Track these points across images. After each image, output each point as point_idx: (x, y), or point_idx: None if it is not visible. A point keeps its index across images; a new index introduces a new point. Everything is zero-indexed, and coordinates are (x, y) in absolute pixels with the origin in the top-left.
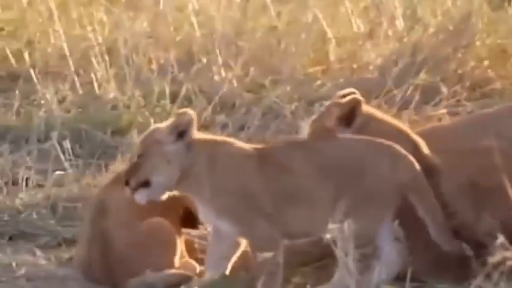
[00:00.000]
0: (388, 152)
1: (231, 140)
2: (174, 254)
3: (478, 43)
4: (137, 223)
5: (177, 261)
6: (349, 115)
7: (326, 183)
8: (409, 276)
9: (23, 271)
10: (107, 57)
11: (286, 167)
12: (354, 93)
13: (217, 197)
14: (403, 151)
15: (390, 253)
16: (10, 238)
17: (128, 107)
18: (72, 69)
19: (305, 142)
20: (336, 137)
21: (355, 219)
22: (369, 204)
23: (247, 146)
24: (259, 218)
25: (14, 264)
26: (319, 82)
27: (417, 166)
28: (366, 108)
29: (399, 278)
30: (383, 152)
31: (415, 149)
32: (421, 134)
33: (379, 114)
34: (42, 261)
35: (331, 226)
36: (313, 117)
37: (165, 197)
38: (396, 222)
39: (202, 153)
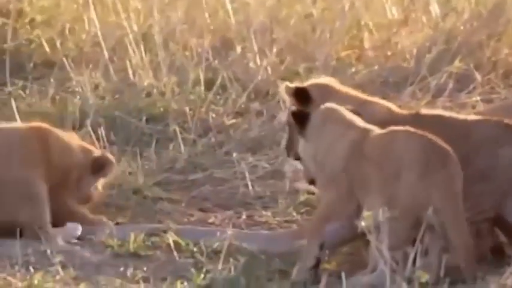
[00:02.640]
0: (424, 161)
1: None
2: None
3: None
4: None
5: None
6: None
7: (379, 175)
8: (443, 263)
9: (58, 258)
10: (141, 44)
11: (366, 155)
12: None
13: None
14: (447, 164)
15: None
16: None
17: (163, 94)
18: (107, 56)
19: (384, 132)
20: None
21: (386, 220)
22: (396, 209)
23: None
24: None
25: (49, 251)
26: (353, 69)
27: (456, 187)
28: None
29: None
30: (418, 158)
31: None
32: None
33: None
34: (77, 248)
35: (366, 213)
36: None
37: None
38: (431, 209)
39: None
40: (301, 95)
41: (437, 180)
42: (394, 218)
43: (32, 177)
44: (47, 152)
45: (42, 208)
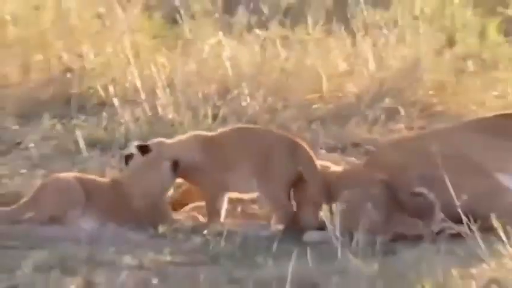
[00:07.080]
0: (288, 143)
1: None
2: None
3: None
4: None
5: None
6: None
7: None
8: None
9: (168, 257)
10: (167, 88)
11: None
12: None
13: None
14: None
15: None
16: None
17: (182, 124)
18: (143, 97)
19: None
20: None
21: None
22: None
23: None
24: None
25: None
26: (315, 106)
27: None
28: None
29: None
30: (283, 142)
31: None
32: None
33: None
34: (185, 246)
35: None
36: None
37: None
38: None
39: None
40: None
41: (299, 155)
42: (271, 185)
43: None
44: None
45: None
